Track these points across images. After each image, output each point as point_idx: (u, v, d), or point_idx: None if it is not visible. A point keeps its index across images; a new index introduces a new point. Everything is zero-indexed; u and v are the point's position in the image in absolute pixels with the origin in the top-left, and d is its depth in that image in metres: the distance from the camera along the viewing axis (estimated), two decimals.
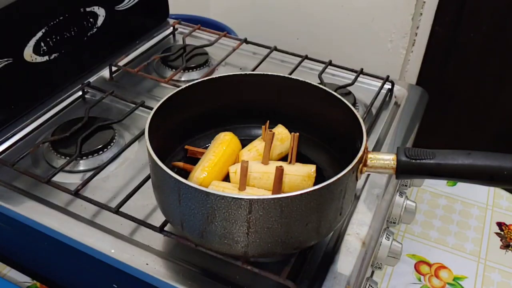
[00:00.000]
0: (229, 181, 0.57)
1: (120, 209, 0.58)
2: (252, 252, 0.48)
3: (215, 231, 0.47)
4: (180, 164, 0.60)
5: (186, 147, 0.62)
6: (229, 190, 0.53)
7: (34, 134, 0.73)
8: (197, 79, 0.60)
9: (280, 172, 0.50)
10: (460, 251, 0.83)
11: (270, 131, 0.57)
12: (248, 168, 0.53)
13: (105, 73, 0.86)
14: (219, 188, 0.53)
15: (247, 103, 0.64)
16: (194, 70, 0.87)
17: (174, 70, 0.86)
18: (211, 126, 0.64)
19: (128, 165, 0.68)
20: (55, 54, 0.77)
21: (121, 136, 0.73)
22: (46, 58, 0.76)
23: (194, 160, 0.60)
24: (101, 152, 0.69)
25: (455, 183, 0.95)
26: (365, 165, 0.51)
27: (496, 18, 1.01)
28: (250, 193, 0.52)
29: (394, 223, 0.71)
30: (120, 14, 0.88)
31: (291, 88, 0.61)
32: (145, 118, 0.76)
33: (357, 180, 0.52)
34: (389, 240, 0.64)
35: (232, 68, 0.90)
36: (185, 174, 0.58)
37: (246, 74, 0.62)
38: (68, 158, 0.67)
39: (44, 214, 0.60)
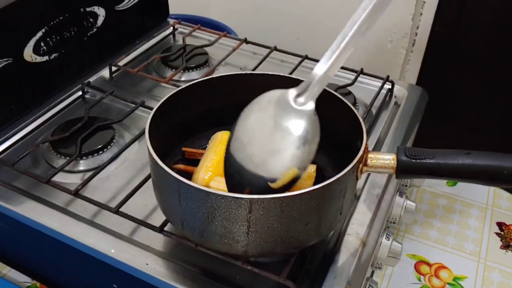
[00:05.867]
0: None
1: (120, 209, 0.58)
2: (252, 251, 0.48)
3: (215, 230, 0.47)
4: (181, 166, 0.60)
5: (183, 149, 0.62)
6: None
7: (34, 134, 0.73)
8: (197, 79, 0.60)
9: None
10: (460, 251, 0.83)
11: None
12: None
13: (105, 73, 0.86)
14: (221, 183, 0.53)
15: (247, 103, 0.63)
16: (194, 70, 0.87)
17: (174, 70, 0.86)
18: (211, 126, 0.64)
19: (128, 165, 0.68)
20: (55, 54, 0.77)
21: (121, 136, 0.73)
22: (46, 58, 0.76)
23: (193, 161, 0.60)
24: (101, 152, 0.69)
25: (455, 183, 0.95)
26: (365, 164, 0.51)
27: (496, 18, 1.01)
28: None
29: (394, 223, 0.71)
30: (120, 14, 0.88)
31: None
32: (145, 118, 0.76)
33: (357, 179, 0.52)
34: (389, 240, 0.64)
35: (232, 68, 0.90)
36: (186, 174, 0.58)
37: (246, 74, 0.62)
38: (68, 158, 0.67)
39: (44, 214, 0.60)
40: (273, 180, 0.48)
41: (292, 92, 0.50)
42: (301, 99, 0.50)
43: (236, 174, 0.50)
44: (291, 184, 0.48)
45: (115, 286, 0.60)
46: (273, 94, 0.51)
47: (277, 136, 0.49)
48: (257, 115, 0.51)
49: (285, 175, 0.47)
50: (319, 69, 0.49)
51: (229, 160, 0.50)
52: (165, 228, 0.56)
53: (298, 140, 0.48)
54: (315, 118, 0.49)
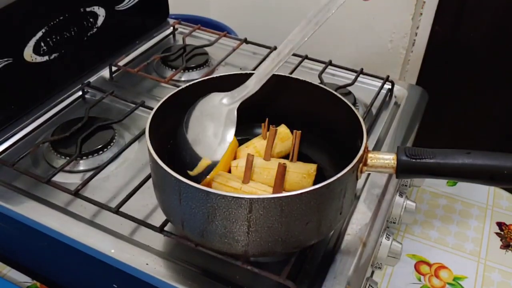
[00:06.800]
0: None
1: (120, 209, 0.58)
2: (253, 251, 0.48)
3: (216, 230, 0.47)
4: None
5: None
6: (233, 181, 0.53)
7: (34, 134, 0.73)
8: (197, 79, 0.60)
9: (282, 169, 0.50)
10: (460, 251, 0.83)
11: (274, 127, 0.57)
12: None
13: (105, 73, 0.86)
14: (223, 179, 0.53)
15: (247, 103, 0.63)
16: (194, 70, 0.87)
17: (174, 70, 0.86)
18: None
19: (128, 165, 0.68)
20: (55, 54, 0.77)
21: (121, 136, 0.73)
22: (46, 58, 0.76)
23: None
24: (101, 152, 0.69)
25: (455, 183, 0.95)
26: (365, 164, 0.51)
27: (496, 18, 1.01)
28: (253, 187, 0.53)
29: (394, 223, 0.71)
30: (120, 14, 0.88)
31: (291, 88, 0.61)
32: (145, 118, 0.76)
33: (357, 179, 0.52)
34: (389, 240, 0.64)
35: (232, 68, 0.90)
36: (186, 174, 0.58)
37: (246, 74, 0.62)
38: (68, 158, 0.67)
39: (44, 214, 0.60)
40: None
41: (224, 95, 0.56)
42: (227, 100, 0.56)
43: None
44: (206, 173, 0.52)
45: (115, 286, 0.60)
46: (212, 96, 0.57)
47: (199, 127, 0.55)
48: (200, 108, 0.56)
49: (199, 165, 0.52)
50: (251, 83, 0.56)
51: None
52: (165, 228, 0.56)
53: (213, 134, 0.54)
54: (231, 116, 0.55)
